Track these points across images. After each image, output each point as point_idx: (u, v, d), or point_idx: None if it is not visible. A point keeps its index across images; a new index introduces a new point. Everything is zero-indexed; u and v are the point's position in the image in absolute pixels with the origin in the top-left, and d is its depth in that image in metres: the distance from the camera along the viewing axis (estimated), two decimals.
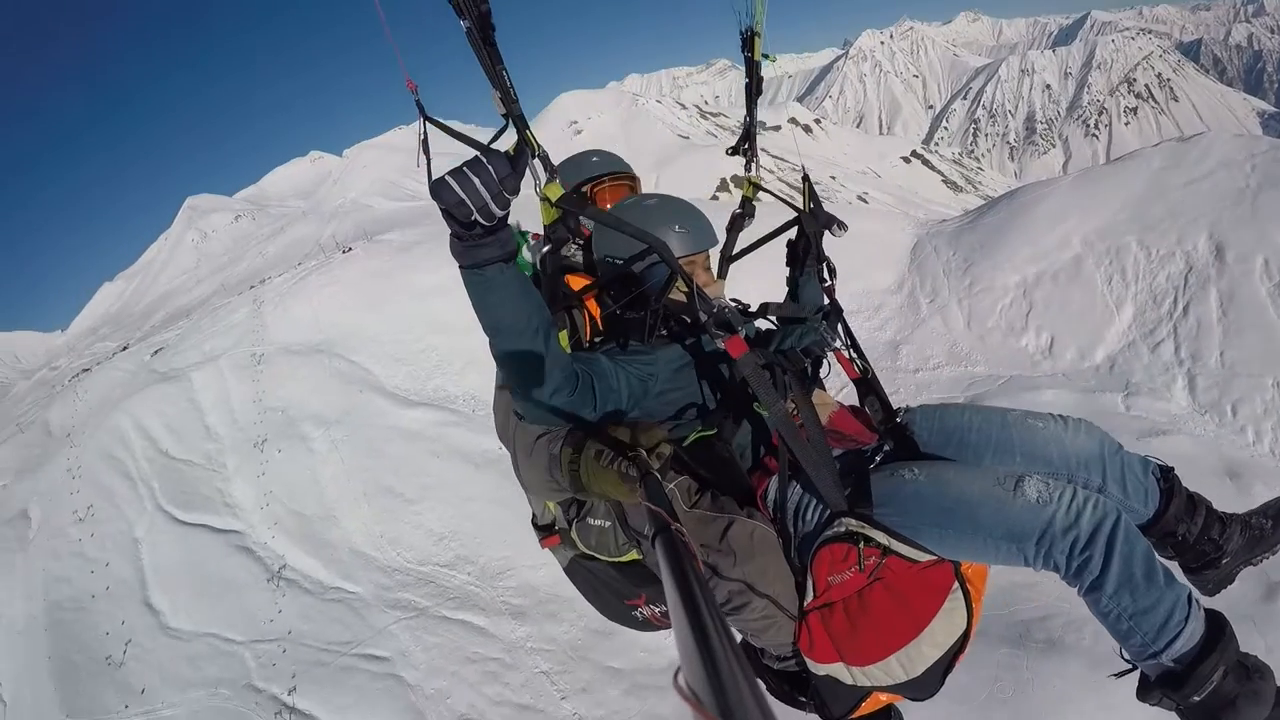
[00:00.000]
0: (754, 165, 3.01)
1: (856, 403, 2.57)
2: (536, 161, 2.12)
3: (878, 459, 2.31)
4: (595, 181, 3.03)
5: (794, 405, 2.20)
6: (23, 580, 9.73)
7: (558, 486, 2.06)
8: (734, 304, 2.58)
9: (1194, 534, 2.26)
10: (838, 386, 2.84)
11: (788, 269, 3.12)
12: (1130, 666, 1.97)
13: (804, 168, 3.08)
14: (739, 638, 2.32)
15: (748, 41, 2.80)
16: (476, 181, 1.71)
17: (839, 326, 2.57)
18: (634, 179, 3.14)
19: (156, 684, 8.00)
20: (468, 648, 7.26)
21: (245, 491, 10.20)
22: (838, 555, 2.02)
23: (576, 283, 2.65)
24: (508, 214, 1.81)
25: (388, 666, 7.33)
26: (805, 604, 2.10)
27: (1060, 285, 9.17)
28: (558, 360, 2.00)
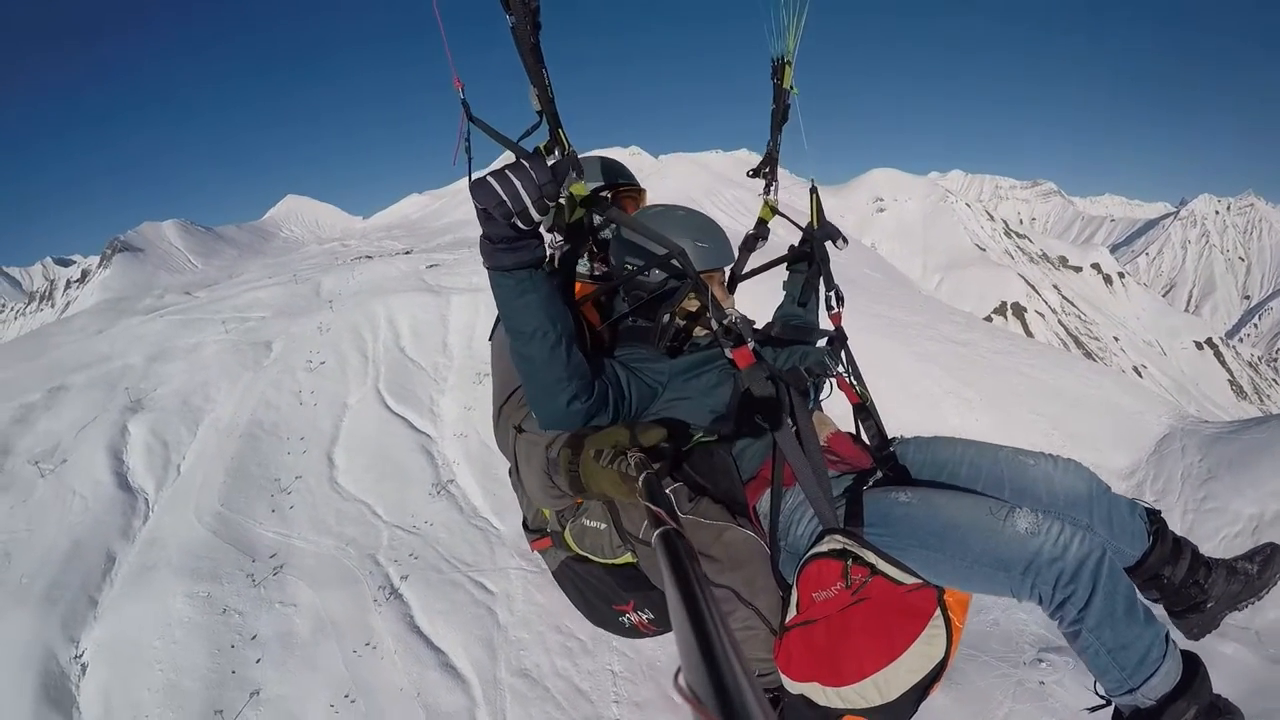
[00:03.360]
0: (773, 189, 3.06)
1: (853, 427, 2.59)
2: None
3: (871, 482, 2.32)
4: (624, 189, 2.99)
5: (794, 420, 2.22)
6: (242, 393, 10.93)
7: (558, 491, 2.05)
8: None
9: (1179, 577, 2.27)
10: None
11: (787, 286, 3.23)
12: (1104, 702, 2.00)
13: (813, 180, 3.01)
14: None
15: (778, 70, 2.85)
16: (518, 184, 1.75)
17: (842, 353, 2.65)
18: (644, 193, 3.12)
19: (302, 517, 8.74)
20: (563, 619, 7.43)
21: (451, 407, 10.82)
22: (825, 571, 2.03)
23: (576, 290, 2.65)
24: (543, 221, 1.86)
25: (489, 599, 7.60)
26: (787, 620, 2.10)
27: None
28: (578, 369, 2.03)
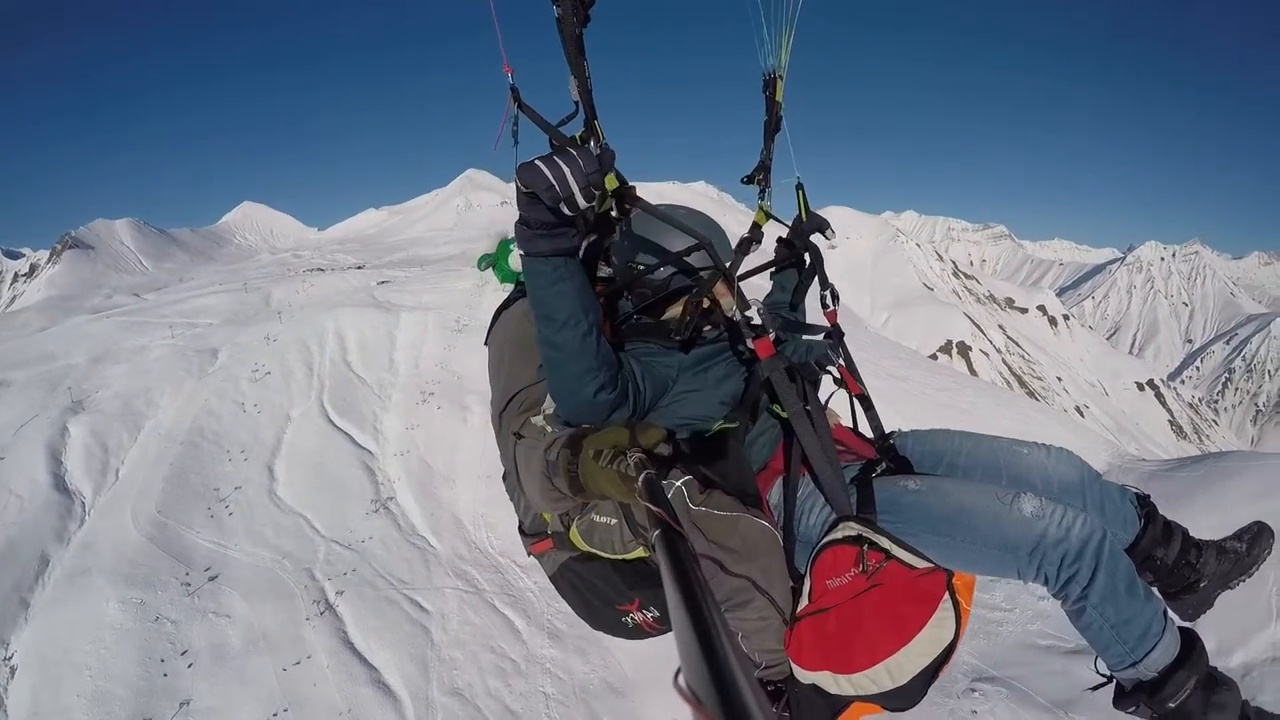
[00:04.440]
0: (767, 194, 3.15)
1: (852, 420, 2.75)
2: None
3: (876, 472, 2.40)
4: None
5: (809, 410, 2.30)
6: (186, 399, 10.89)
7: (557, 494, 2.02)
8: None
9: (1171, 558, 2.39)
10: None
11: (778, 285, 3.34)
12: (1106, 679, 2.11)
13: (798, 177, 3.17)
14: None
15: (769, 83, 2.96)
16: (567, 171, 1.76)
17: (840, 348, 2.80)
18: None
19: (239, 528, 8.75)
20: (497, 639, 7.54)
21: (394, 425, 10.87)
22: (840, 558, 2.11)
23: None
24: (588, 209, 1.87)
25: (424, 618, 7.68)
26: (799, 609, 2.17)
27: None
28: (607, 359, 2.09)
